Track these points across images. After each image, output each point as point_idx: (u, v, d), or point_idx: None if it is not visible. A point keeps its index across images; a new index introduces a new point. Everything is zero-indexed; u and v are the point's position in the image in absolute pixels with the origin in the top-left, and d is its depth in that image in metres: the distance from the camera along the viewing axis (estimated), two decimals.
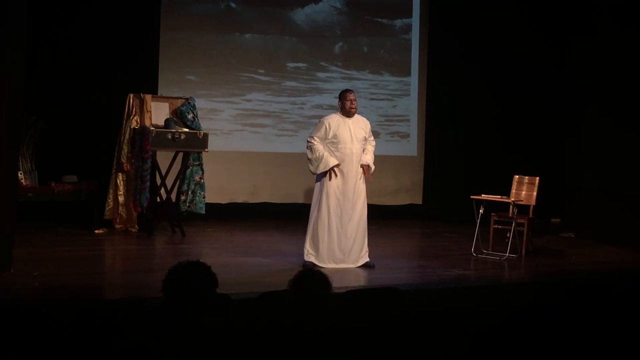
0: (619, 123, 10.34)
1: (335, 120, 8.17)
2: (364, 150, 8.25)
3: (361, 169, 8.17)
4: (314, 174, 8.24)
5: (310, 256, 8.16)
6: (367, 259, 8.27)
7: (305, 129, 12.00)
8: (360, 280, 7.85)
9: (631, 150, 10.19)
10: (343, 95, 8.23)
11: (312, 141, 8.14)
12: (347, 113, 8.18)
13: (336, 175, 8.07)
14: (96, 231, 9.70)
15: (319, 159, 8.08)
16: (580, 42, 11.25)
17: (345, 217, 8.13)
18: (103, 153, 10.11)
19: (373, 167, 8.29)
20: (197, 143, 9.96)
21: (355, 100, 8.22)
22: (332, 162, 8.04)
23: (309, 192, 11.87)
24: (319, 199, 8.18)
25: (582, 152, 11.14)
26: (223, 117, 11.62)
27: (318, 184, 8.24)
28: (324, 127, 8.15)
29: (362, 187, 8.21)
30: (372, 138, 8.39)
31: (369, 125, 8.36)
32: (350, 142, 8.13)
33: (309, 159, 8.18)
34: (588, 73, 10.98)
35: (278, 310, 3.87)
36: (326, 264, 8.05)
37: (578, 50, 11.28)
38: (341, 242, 8.13)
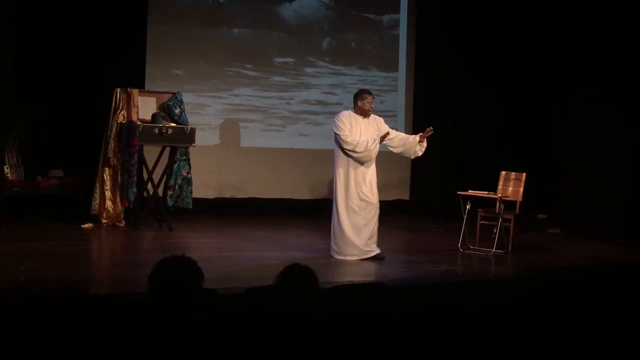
0: (606, 120, 10.39)
1: (348, 119, 8.32)
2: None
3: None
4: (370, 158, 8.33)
5: (333, 251, 8.40)
6: (379, 251, 8.45)
7: (293, 124, 12.02)
8: (347, 275, 7.85)
9: (617, 147, 10.25)
10: (362, 96, 8.37)
11: (351, 140, 8.21)
12: (365, 113, 8.36)
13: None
14: (83, 226, 9.66)
15: (368, 146, 8.21)
16: (568, 39, 11.28)
17: (357, 210, 8.31)
18: (90, 147, 10.07)
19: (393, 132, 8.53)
20: (184, 138, 9.94)
21: (373, 102, 8.43)
22: (376, 140, 8.26)
23: (296, 188, 11.93)
24: (335, 196, 8.39)
25: (569, 148, 11.18)
26: (210, 111, 11.60)
27: (334, 181, 8.42)
28: (345, 124, 8.27)
29: (371, 182, 8.36)
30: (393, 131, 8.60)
31: (382, 122, 8.53)
32: None
33: (359, 152, 8.23)
34: (576, 71, 11.02)
35: (264, 305, 3.87)
36: (344, 257, 8.31)
37: (566, 48, 11.31)
38: (356, 234, 8.31)
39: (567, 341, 4.14)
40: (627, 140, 10.16)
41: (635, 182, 10.09)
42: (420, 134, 8.51)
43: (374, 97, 8.50)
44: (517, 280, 7.80)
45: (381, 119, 8.61)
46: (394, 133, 8.54)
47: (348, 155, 8.28)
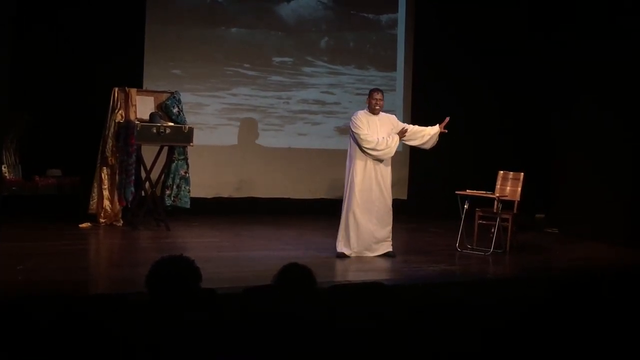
0: (605, 120, 10.38)
1: (364, 117, 8.49)
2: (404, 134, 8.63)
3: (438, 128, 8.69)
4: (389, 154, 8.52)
5: (341, 246, 8.47)
6: (390, 249, 8.63)
7: (291, 124, 12.02)
8: (345, 274, 7.86)
9: (616, 147, 10.25)
10: (370, 94, 8.61)
11: (371, 139, 8.38)
12: (372, 111, 8.52)
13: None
14: (80, 225, 9.66)
15: (388, 143, 8.40)
16: (567, 39, 11.28)
17: (372, 208, 8.47)
18: (87, 147, 10.06)
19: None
20: (182, 137, 9.93)
21: (381, 99, 8.58)
22: (395, 137, 8.48)
23: (294, 187, 11.92)
24: (348, 192, 8.50)
25: (567, 148, 11.18)
26: (208, 111, 11.59)
27: (347, 177, 8.54)
28: (363, 123, 8.43)
29: (387, 180, 8.56)
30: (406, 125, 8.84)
31: (396, 120, 8.78)
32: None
33: (380, 150, 8.40)
34: (576, 71, 11.00)
35: (262, 305, 3.86)
36: (356, 253, 8.45)
37: (566, 48, 11.30)
38: (369, 231, 8.48)
39: (565, 341, 4.14)
40: (626, 141, 10.16)
41: (634, 182, 10.09)
42: (439, 124, 8.68)
43: (381, 94, 8.61)
44: (515, 281, 7.80)
45: (394, 116, 8.88)
46: (410, 128, 8.72)
47: (367, 154, 8.38)
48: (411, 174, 12.53)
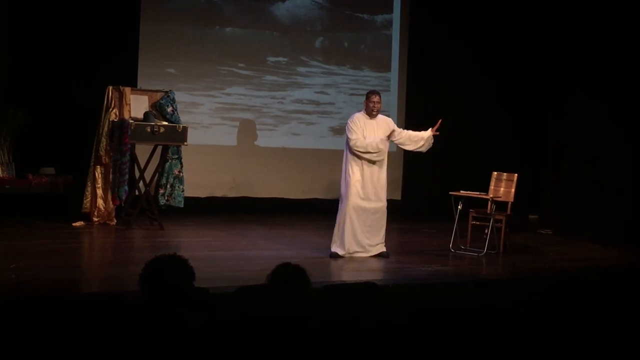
0: (600, 122, 10.38)
1: (361, 120, 8.53)
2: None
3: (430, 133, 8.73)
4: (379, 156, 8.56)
5: (336, 247, 8.52)
6: (384, 249, 8.67)
7: (285, 124, 12.01)
8: (339, 275, 7.86)
9: (608, 148, 10.25)
10: (367, 96, 8.66)
11: (360, 143, 8.42)
12: (370, 113, 8.55)
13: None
14: (74, 224, 9.64)
15: (379, 146, 8.45)
16: (562, 40, 11.30)
17: (366, 209, 8.51)
18: (81, 146, 10.04)
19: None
20: (176, 136, 9.92)
21: (379, 102, 8.59)
22: (384, 140, 8.51)
23: (288, 187, 11.92)
24: (343, 193, 8.56)
25: (561, 150, 11.18)
26: (203, 110, 11.58)
27: (343, 178, 8.59)
28: (358, 127, 8.47)
29: (382, 182, 8.60)
30: (400, 129, 8.84)
31: (392, 123, 8.79)
32: None
33: (373, 153, 8.47)
34: (571, 71, 11.01)
35: (256, 304, 3.86)
36: (350, 254, 8.49)
37: (560, 49, 11.32)
38: (363, 232, 8.54)
39: (558, 342, 4.14)
40: (620, 142, 10.15)
41: (628, 183, 10.10)
42: (431, 128, 8.72)
43: (379, 97, 8.62)
44: (508, 281, 7.80)
45: (391, 119, 8.89)
46: (403, 132, 8.74)
47: (360, 157, 8.43)
48: (405, 175, 12.53)
